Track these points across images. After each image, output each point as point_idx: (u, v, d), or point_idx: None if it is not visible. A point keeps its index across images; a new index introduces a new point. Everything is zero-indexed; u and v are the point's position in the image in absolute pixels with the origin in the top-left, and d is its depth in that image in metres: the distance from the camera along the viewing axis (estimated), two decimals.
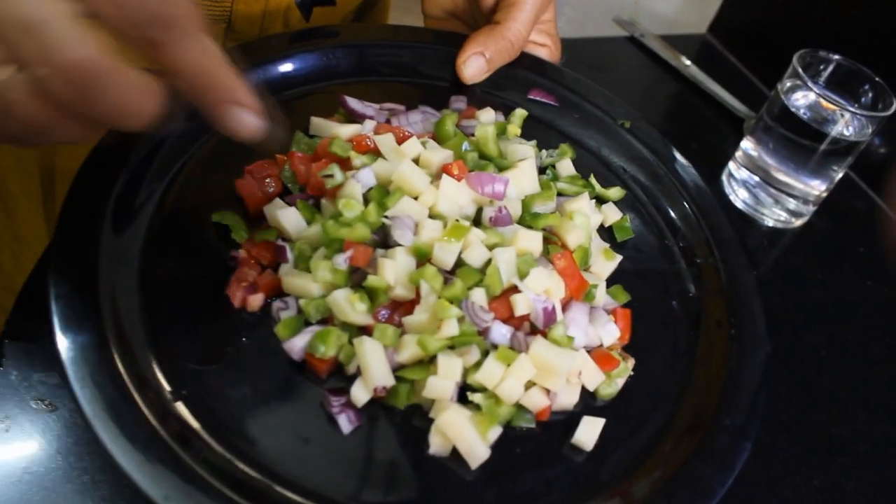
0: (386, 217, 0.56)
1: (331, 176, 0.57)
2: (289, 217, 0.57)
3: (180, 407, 0.48)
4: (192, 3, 0.42)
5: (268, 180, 0.60)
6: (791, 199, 0.90)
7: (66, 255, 0.50)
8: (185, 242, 0.57)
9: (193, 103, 0.44)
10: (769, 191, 0.90)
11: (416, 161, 0.60)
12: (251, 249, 0.56)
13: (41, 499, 0.52)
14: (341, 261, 0.53)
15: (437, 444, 0.51)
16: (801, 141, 0.85)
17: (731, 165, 0.95)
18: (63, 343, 0.47)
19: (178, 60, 0.42)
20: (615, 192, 0.69)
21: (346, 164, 0.59)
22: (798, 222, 0.92)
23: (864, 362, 0.80)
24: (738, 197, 0.93)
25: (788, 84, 0.86)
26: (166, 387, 0.49)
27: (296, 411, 0.51)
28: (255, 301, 0.54)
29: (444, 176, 0.58)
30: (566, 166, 0.69)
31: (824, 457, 0.70)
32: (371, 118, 0.66)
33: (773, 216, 0.91)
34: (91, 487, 0.53)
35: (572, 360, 0.53)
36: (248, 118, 0.45)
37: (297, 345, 0.52)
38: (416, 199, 0.57)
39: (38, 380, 0.58)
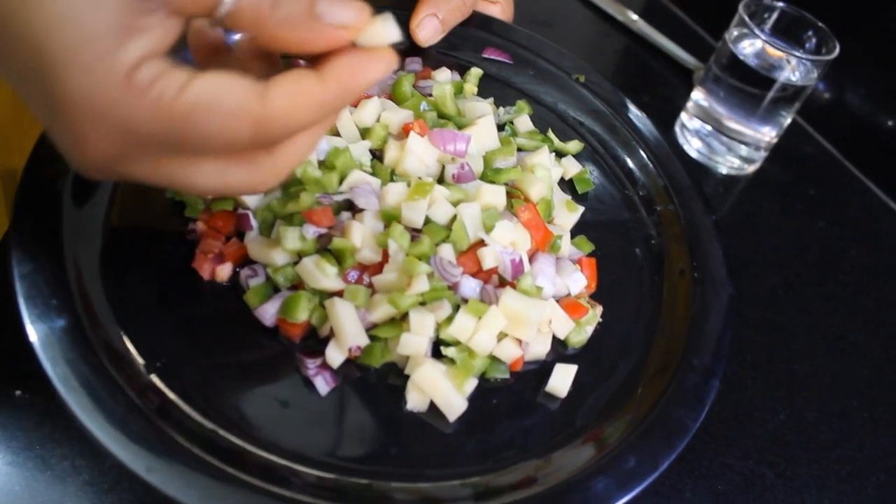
0: (341, 192, 0.56)
1: None
2: None
3: (155, 379, 0.48)
4: None
5: None
6: (743, 147, 0.91)
7: (28, 233, 0.49)
8: (145, 218, 0.56)
9: None
10: (721, 139, 0.91)
11: (378, 120, 0.60)
12: (209, 220, 0.55)
13: (22, 488, 0.51)
14: (311, 232, 0.53)
15: (414, 400, 0.51)
16: (749, 89, 0.86)
17: (683, 116, 0.96)
18: (31, 322, 0.46)
19: None
20: (573, 146, 0.70)
21: None
22: (751, 168, 0.94)
23: (820, 299, 0.82)
24: (692, 147, 0.94)
25: (735, 33, 0.87)
26: (140, 360, 0.48)
27: (272, 376, 0.51)
28: (224, 271, 0.54)
29: (412, 134, 0.57)
30: (524, 122, 0.69)
31: (787, 391, 0.72)
32: None
33: (727, 164, 0.93)
34: (72, 473, 0.53)
35: (542, 310, 0.54)
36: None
37: (268, 311, 0.52)
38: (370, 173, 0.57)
39: (7, 369, 0.57)
